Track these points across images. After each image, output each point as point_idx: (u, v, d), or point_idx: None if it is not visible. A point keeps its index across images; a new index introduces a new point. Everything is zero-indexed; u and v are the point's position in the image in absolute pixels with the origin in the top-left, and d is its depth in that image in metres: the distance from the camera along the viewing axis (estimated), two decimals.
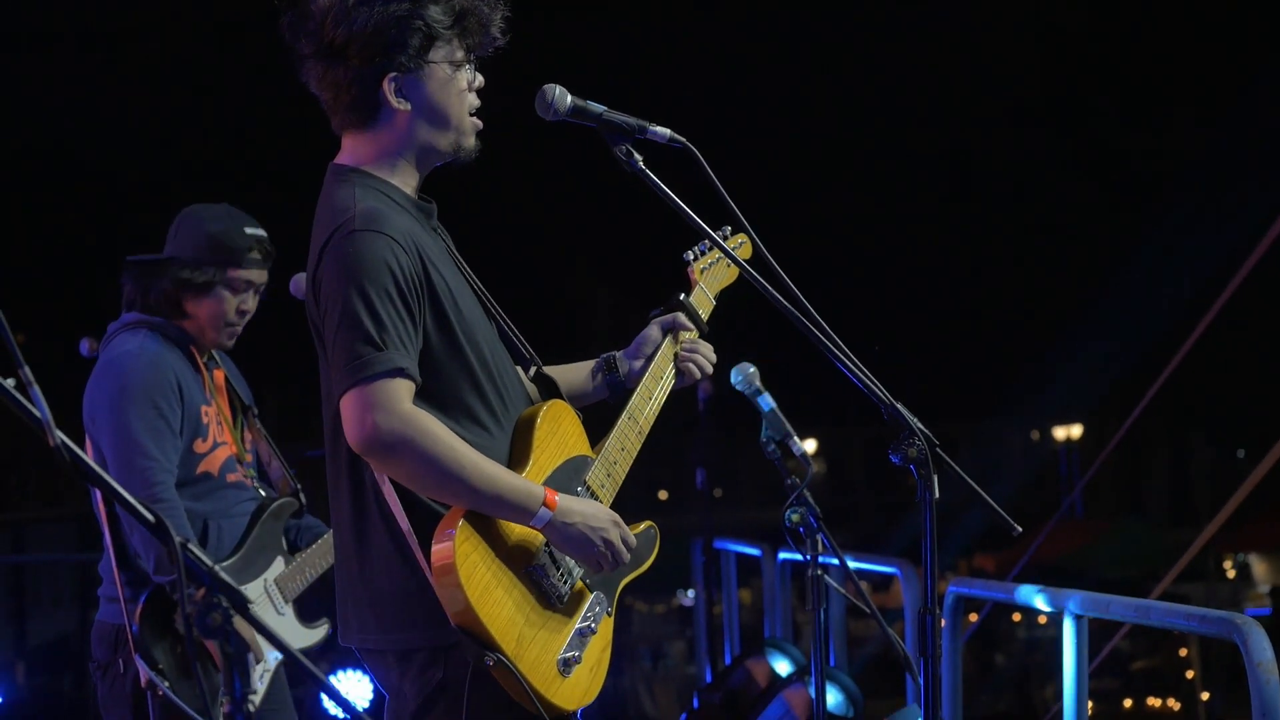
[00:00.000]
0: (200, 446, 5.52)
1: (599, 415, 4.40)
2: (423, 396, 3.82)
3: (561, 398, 4.27)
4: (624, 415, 4.35)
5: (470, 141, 4.13)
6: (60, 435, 2.45)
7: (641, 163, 3.91)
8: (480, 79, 4.15)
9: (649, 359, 4.50)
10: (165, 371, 5.45)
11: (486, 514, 3.82)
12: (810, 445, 52.82)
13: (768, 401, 4.82)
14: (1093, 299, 48.94)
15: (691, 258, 4.77)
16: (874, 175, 53.44)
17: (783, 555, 9.69)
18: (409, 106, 4.00)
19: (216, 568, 2.49)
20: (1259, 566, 42.72)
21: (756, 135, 46.37)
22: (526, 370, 4.30)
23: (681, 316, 4.59)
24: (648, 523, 4.29)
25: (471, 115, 4.12)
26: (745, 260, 4.20)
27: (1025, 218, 55.54)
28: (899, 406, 3.86)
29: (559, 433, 4.14)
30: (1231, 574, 42.80)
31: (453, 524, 3.75)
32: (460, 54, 4.06)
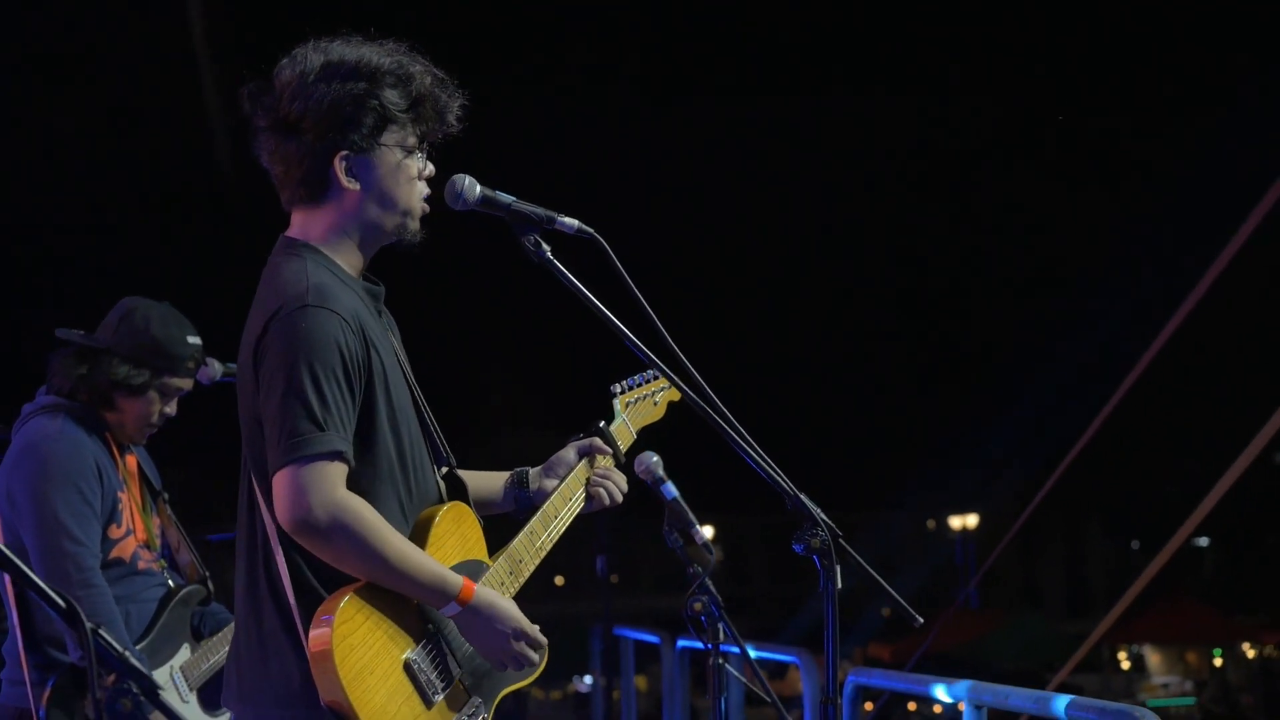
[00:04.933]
0: (114, 532, 5.49)
1: (505, 527, 4.40)
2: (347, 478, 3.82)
3: (468, 501, 4.25)
4: (524, 532, 4.35)
5: (415, 225, 4.12)
6: None
7: (550, 253, 3.93)
8: (431, 168, 4.14)
9: (561, 480, 4.52)
10: (86, 455, 5.43)
11: (404, 595, 3.83)
12: (709, 532, 52.74)
13: (671, 490, 4.82)
14: (992, 390, 49.29)
15: (618, 390, 4.80)
16: (777, 267, 53.75)
17: (681, 643, 9.69)
18: (358, 186, 4.00)
19: (127, 653, 2.49)
20: (1153, 658, 42.98)
21: (665, 227, 46.55)
22: (440, 468, 4.26)
23: (599, 442, 4.61)
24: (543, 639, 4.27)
25: (422, 201, 4.12)
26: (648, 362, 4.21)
27: (924, 308, 56.01)
28: (803, 497, 3.88)
29: (458, 534, 4.13)
30: (1126, 665, 43.03)
31: (334, 607, 3.73)
32: (413, 139, 4.06)
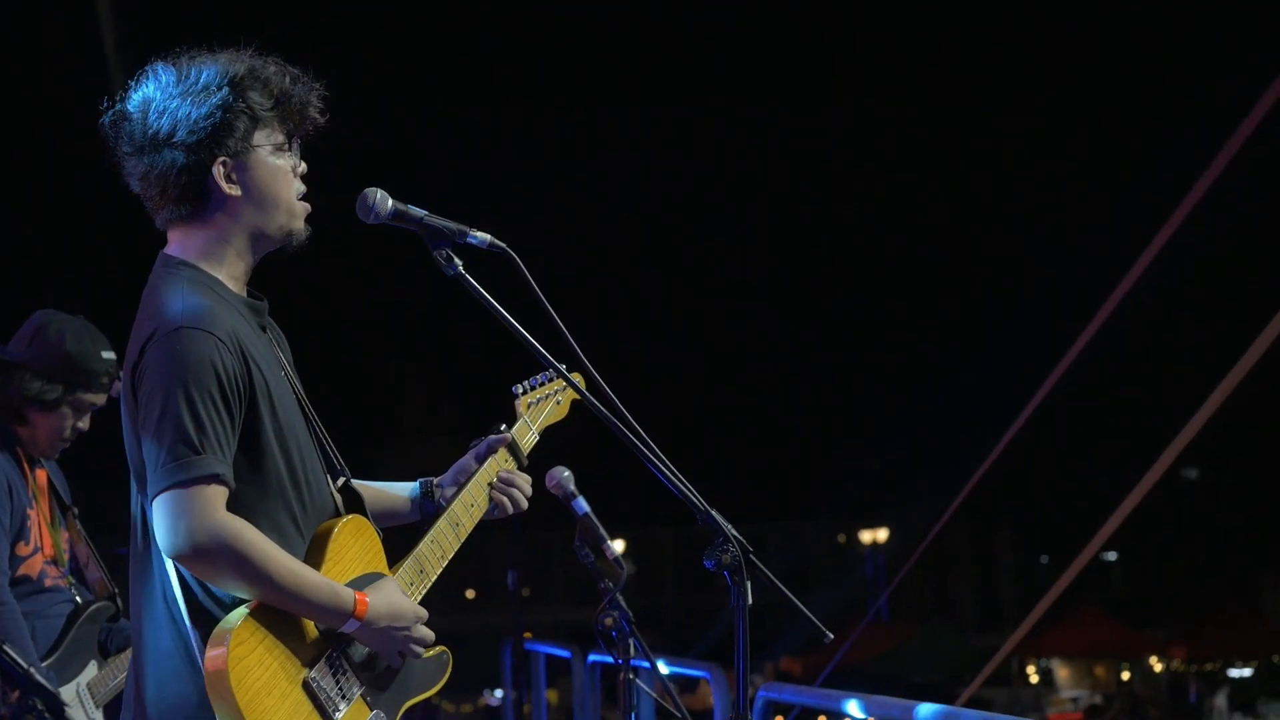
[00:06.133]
0: (22, 549, 5.43)
1: (408, 538, 4.38)
2: (231, 499, 3.76)
3: (365, 514, 4.21)
4: (427, 539, 4.33)
5: (300, 225, 4.09)
6: None
7: (461, 267, 3.92)
8: (304, 165, 4.12)
9: (461, 487, 4.50)
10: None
11: (297, 615, 3.81)
12: (619, 545, 52.90)
13: (582, 505, 4.82)
14: (901, 400, 49.52)
15: (520, 391, 4.79)
16: (686, 274, 53.84)
17: (593, 657, 9.69)
18: (240, 191, 3.96)
19: (32, 670, 2.46)
20: (1062, 671, 43.28)
21: (580, 243, 46.60)
22: (335, 480, 4.21)
23: (498, 444, 4.60)
24: (440, 647, 4.23)
25: (300, 199, 4.10)
26: (563, 379, 4.21)
27: (835, 317, 56.25)
28: (713, 513, 3.88)
29: (355, 548, 4.08)
30: (1035, 679, 43.31)
31: (229, 628, 3.69)
32: (281, 137, 4.04)
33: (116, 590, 5.78)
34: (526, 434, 4.75)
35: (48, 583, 5.52)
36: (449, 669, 4.28)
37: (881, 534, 50.64)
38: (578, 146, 47.97)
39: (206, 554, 3.67)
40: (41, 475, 5.67)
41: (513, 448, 4.63)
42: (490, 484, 4.55)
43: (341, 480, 4.23)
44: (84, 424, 5.66)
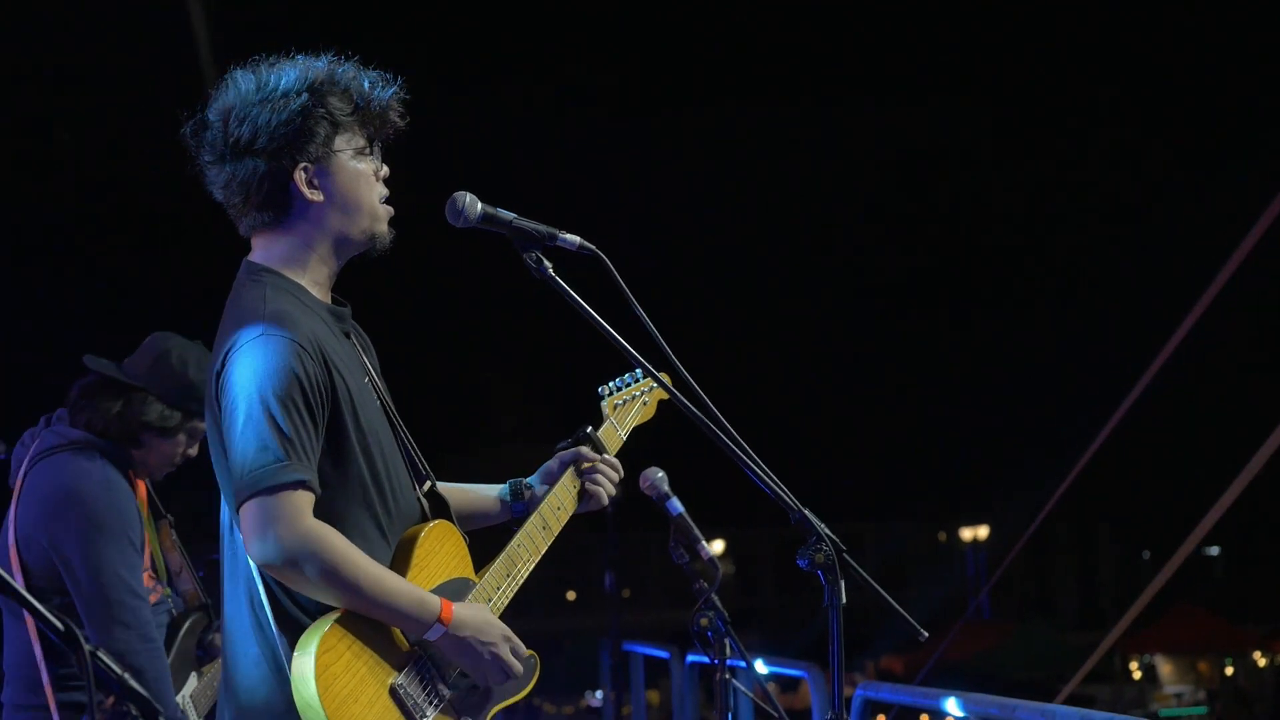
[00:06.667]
0: None
1: (497, 540, 4.38)
2: (316, 505, 3.78)
3: (451, 518, 4.21)
4: (519, 537, 4.34)
5: (383, 228, 4.11)
6: None
7: (551, 270, 3.92)
8: (386, 168, 4.14)
9: (549, 489, 4.51)
10: (130, 505, 5.32)
11: (383, 622, 3.81)
12: (718, 546, 52.91)
13: (676, 506, 4.81)
14: (1002, 398, 49.27)
15: (606, 392, 4.80)
16: (782, 275, 53.76)
17: (691, 658, 9.69)
18: (322, 197, 3.99)
19: (126, 676, 2.49)
20: (1165, 667, 42.92)
21: (670, 243, 46.58)
22: (421, 485, 4.23)
23: (585, 451, 4.60)
24: (529, 651, 4.20)
25: (383, 203, 4.12)
26: (656, 381, 4.18)
27: (933, 317, 56.02)
28: (807, 512, 3.87)
29: (441, 553, 4.09)
30: (1138, 675, 42.97)
31: (316, 636, 3.71)
32: (362, 141, 4.07)
33: (209, 601, 5.77)
34: (613, 434, 4.75)
35: (153, 598, 5.51)
36: (536, 673, 4.27)
37: (982, 531, 50.41)
38: (664, 146, 47.94)
39: (294, 561, 3.68)
40: (142, 488, 5.66)
41: (599, 449, 4.63)
42: (579, 487, 4.55)
43: (428, 485, 4.24)
44: (194, 450, 5.64)
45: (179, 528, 5.92)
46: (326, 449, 3.86)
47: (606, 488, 4.60)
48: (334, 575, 3.70)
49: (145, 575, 5.48)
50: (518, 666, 4.04)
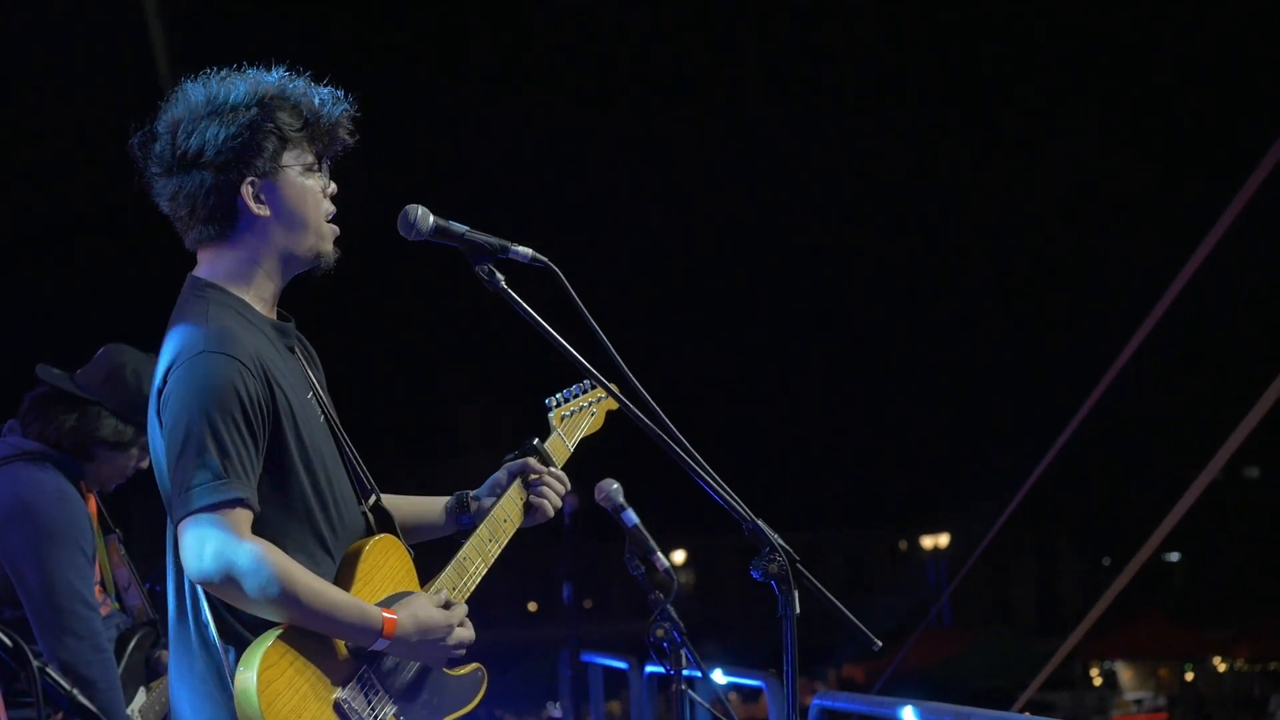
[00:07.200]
0: None
1: (442, 553, 4.37)
2: (256, 522, 3.76)
3: (396, 532, 4.19)
4: (465, 546, 4.32)
5: (328, 247, 4.09)
6: None
7: (504, 282, 3.91)
8: (334, 186, 4.12)
9: (495, 502, 4.48)
10: (83, 516, 5.33)
11: (327, 635, 3.80)
12: (680, 556, 52.91)
13: (631, 518, 4.81)
14: (962, 407, 49.41)
15: (553, 404, 4.78)
16: (739, 287, 53.82)
17: (649, 668, 9.68)
18: (269, 211, 3.96)
19: (75, 692, 2.48)
20: (1125, 673, 43.09)
21: (628, 253, 46.59)
22: (366, 500, 4.20)
23: (532, 462, 4.57)
24: (475, 665, 4.22)
25: (329, 221, 4.10)
26: (607, 392, 4.17)
27: (897, 327, 56.13)
28: (759, 522, 3.87)
29: (385, 567, 4.07)
30: (1098, 681, 43.12)
31: (259, 651, 3.68)
32: (310, 158, 4.05)
33: (157, 617, 5.74)
34: (560, 445, 4.72)
35: (104, 611, 5.50)
36: (484, 686, 4.26)
37: (943, 539, 50.54)
38: (616, 153, 48.01)
39: (231, 579, 3.65)
40: (92, 502, 5.65)
41: (546, 461, 4.60)
42: (525, 499, 4.54)
43: (373, 499, 4.22)
44: (145, 463, 5.61)
45: (139, 542, 5.90)
46: (268, 466, 3.84)
47: (552, 500, 4.58)
48: (272, 591, 3.67)
49: (95, 589, 5.46)
50: (469, 634, 4.03)
